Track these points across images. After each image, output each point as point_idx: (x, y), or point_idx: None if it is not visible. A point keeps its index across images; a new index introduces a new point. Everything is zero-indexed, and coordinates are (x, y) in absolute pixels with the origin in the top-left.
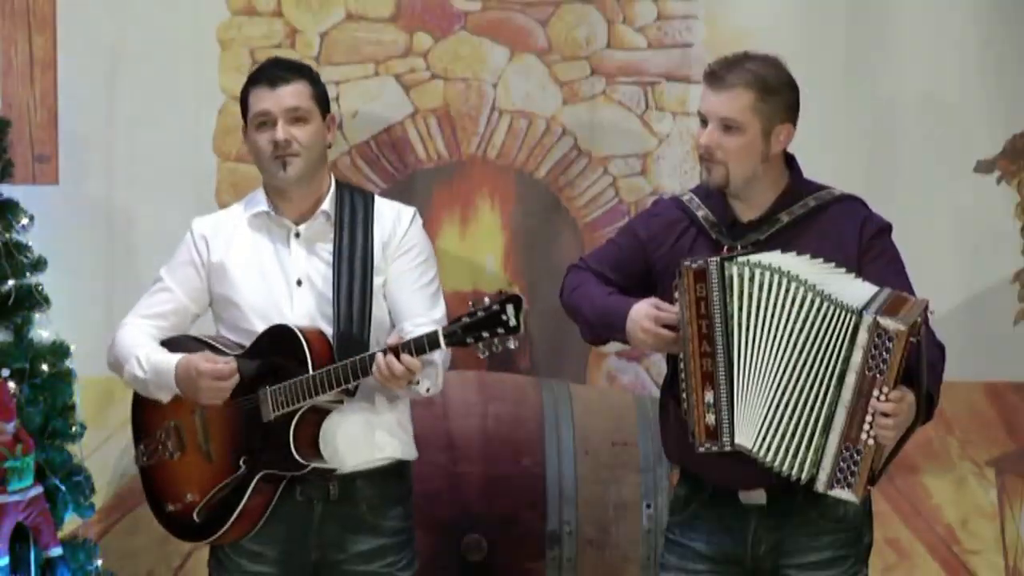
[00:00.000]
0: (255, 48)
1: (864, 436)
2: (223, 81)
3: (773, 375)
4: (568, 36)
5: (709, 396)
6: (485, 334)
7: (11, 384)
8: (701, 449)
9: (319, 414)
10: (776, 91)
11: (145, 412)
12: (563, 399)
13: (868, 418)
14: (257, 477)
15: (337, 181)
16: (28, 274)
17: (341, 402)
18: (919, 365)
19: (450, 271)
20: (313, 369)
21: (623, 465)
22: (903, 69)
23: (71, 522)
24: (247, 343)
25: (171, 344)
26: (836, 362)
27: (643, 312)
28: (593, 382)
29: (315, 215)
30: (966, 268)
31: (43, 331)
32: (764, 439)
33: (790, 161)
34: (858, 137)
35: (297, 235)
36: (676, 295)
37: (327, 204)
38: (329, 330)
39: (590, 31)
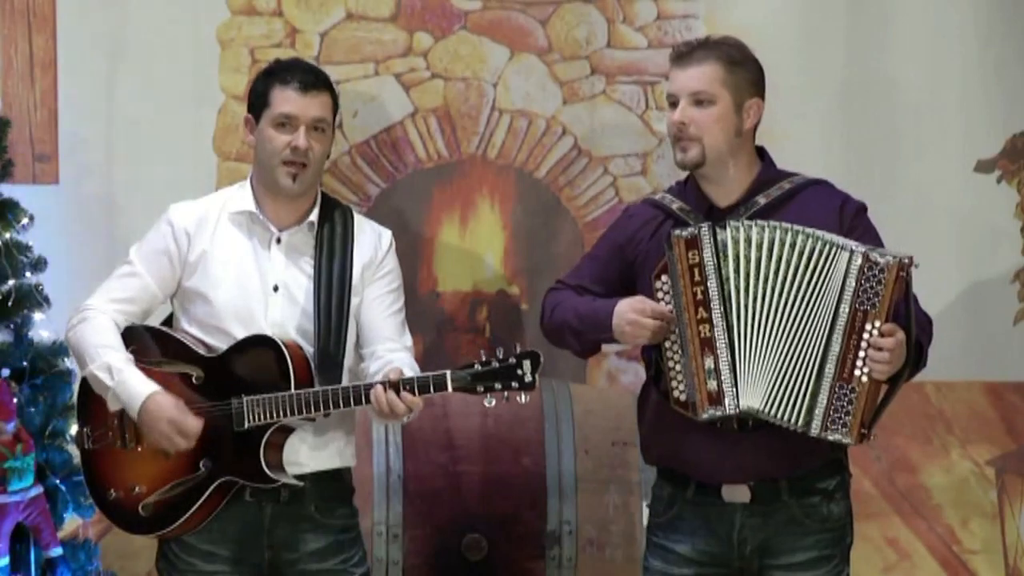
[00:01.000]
0: (255, 48)
1: (858, 372)
2: (223, 81)
3: (773, 331)
4: (568, 36)
5: (709, 362)
6: (497, 385)
7: (11, 384)
8: (705, 416)
9: (287, 429)
10: (742, 64)
11: (98, 397)
12: (563, 399)
13: (861, 353)
14: (218, 481)
15: (323, 193)
16: (28, 274)
17: (313, 420)
18: (908, 310)
19: (450, 271)
20: (295, 385)
21: (623, 465)
22: (903, 68)
23: (71, 522)
24: (214, 341)
25: (130, 334)
26: (830, 300)
27: (628, 305)
28: (593, 382)
29: (301, 225)
30: (966, 268)
31: (43, 331)
32: (770, 396)
33: (761, 151)
34: (858, 136)
35: (279, 240)
36: (660, 282)
37: (315, 215)
38: (300, 340)
39: (590, 30)
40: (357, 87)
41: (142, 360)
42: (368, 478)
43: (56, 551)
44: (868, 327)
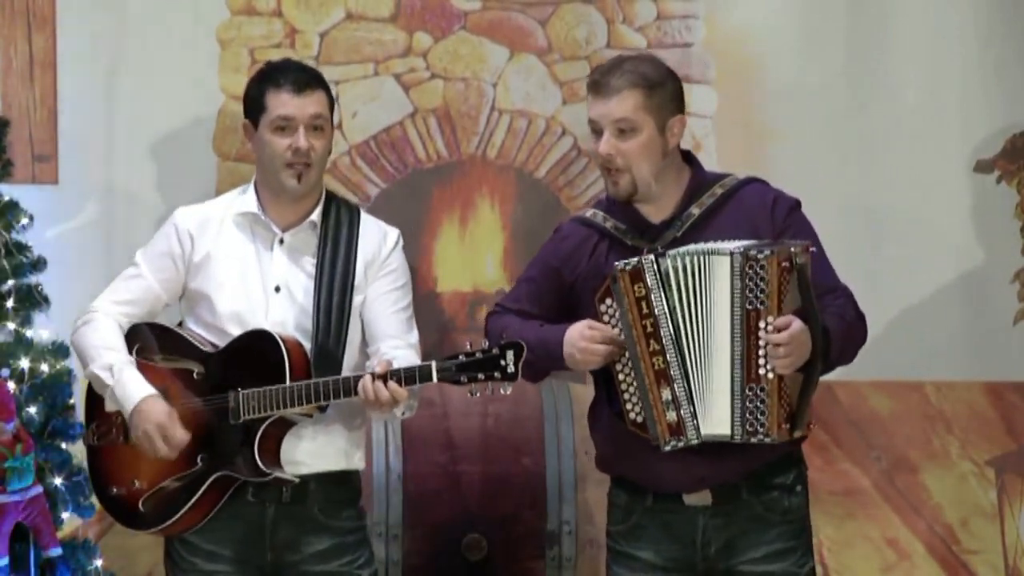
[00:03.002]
0: (255, 48)
1: (762, 371)
2: (223, 81)
3: (712, 353)
4: (568, 36)
5: (666, 393)
6: (480, 376)
7: (11, 384)
8: (667, 448)
9: (285, 425)
10: (660, 84)
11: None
12: (563, 399)
13: (761, 352)
14: (213, 476)
15: (327, 191)
16: (28, 274)
17: (310, 416)
18: (808, 298)
19: (450, 271)
20: (290, 379)
21: None
22: (903, 69)
23: (71, 522)
24: (218, 341)
25: (134, 332)
26: (725, 306)
27: (578, 333)
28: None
29: (302, 224)
30: (966, 268)
31: (43, 331)
32: (727, 419)
33: (688, 156)
34: (858, 137)
35: (281, 241)
36: (604, 305)
37: (316, 215)
38: (301, 339)
39: (590, 31)
40: (357, 87)
41: (144, 357)
42: (368, 478)
43: (55, 551)
44: (762, 324)
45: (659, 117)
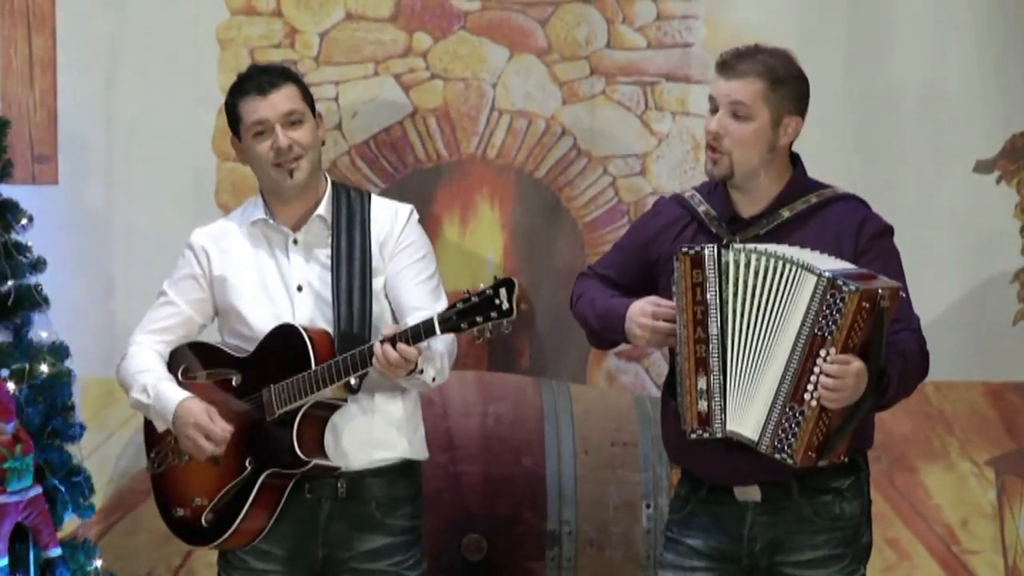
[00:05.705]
0: (255, 48)
1: (808, 396)
2: (223, 81)
3: (764, 359)
4: (568, 36)
5: (702, 382)
6: (479, 319)
7: (11, 384)
8: (693, 436)
9: (324, 411)
10: (785, 82)
11: None
12: (563, 399)
13: (813, 378)
14: (263, 476)
15: (333, 182)
16: (28, 274)
17: (345, 399)
18: (878, 341)
19: (450, 271)
20: (316, 366)
21: (623, 465)
22: (903, 69)
23: (71, 522)
24: (252, 348)
25: (177, 355)
26: (796, 321)
27: (639, 308)
28: (593, 382)
29: (310, 220)
30: (966, 268)
31: (43, 331)
32: (757, 424)
33: (794, 158)
34: (858, 137)
35: (295, 242)
36: (672, 286)
37: (323, 208)
38: (330, 330)
39: (590, 31)
40: (357, 87)
41: (189, 376)
42: None
43: (55, 551)
44: (822, 353)
45: (776, 111)
